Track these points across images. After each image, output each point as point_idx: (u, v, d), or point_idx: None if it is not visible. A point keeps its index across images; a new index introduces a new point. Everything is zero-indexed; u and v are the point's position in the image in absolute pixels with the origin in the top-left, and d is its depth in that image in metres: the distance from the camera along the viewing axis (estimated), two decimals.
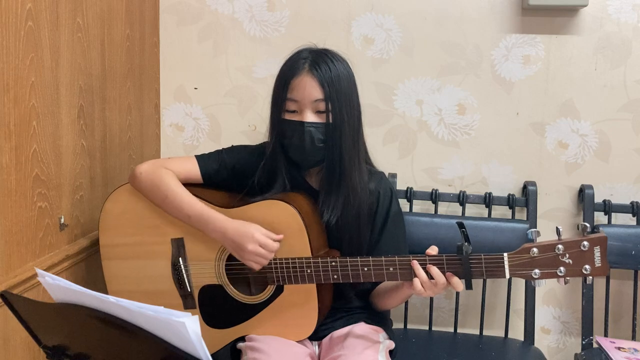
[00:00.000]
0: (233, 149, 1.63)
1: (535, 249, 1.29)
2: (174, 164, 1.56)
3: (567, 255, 1.28)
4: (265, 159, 1.53)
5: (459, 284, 1.33)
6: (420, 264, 1.34)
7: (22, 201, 1.39)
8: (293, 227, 1.43)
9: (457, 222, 1.34)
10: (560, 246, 1.28)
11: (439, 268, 1.33)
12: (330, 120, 1.44)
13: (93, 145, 1.71)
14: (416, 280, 1.34)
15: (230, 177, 1.59)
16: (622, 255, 1.86)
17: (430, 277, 1.33)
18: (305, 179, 1.56)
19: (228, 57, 2.13)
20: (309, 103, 1.44)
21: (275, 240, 1.41)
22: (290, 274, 1.42)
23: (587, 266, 1.28)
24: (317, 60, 1.46)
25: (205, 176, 1.58)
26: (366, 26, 2.06)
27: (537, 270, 1.29)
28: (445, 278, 1.33)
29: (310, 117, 1.44)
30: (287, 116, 1.47)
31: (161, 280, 1.56)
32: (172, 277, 1.55)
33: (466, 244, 1.31)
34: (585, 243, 1.27)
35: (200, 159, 1.59)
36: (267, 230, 1.41)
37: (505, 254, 1.31)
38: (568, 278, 1.29)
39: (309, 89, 1.44)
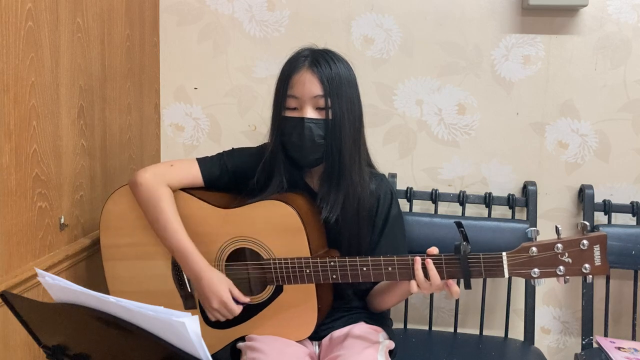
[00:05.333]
0: (233, 152, 1.63)
1: (534, 248, 1.28)
2: (176, 172, 1.55)
3: (567, 254, 1.27)
4: (264, 158, 1.53)
5: (457, 292, 1.33)
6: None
7: (22, 201, 1.39)
8: (291, 227, 1.43)
9: (455, 222, 1.33)
10: (559, 245, 1.27)
11: (437, 268, 1.33)
12: (330, 117, 1.44)
13: (93, 145, 1.71)
14: (413, 282, 1.34)
15: (231, 180, 1.59)
16: (622, 255, 1.86)
17: (428, 277, 1.33)
18: (305, 180, 1.56)
19: (228, 57, 2.13)
20: (309, 99, 1.44)
21: (242, 303, 1.45)
22: (289, 274, 1.42)
23: (586, 265, 1.27)
24: (317, 58, 1.46)
25: (207, 181, 1.58)
26: (366, 26, 2.06)
27: (536, 270, 1.29)
28: (444, 281, 1.33)
29: (310, 113, 1.45)
30: (288, 113, 1.47)
31: (162, 280, 1.56)
32: (172, 277, 1.55)
33: (464, 243, 1.31)
34: (585, 242, 1.27)
35: (202, 163, 1.58)
36: (238, 292, 1.45)
37: (504, 253, 1.30)
38: (568, 277, 1.28)
39: (308, 85, 1.44)
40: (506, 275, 1.30)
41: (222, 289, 1.44)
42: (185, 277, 1.53)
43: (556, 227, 1.28)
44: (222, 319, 1.47)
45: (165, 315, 0.89)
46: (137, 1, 1.94)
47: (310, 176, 1.57)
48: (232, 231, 1.48)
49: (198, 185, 1.58)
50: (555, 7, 1.93)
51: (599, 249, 1.26)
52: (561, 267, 1.28)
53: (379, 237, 1.54)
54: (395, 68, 2.06)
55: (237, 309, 1.45)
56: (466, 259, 1.31)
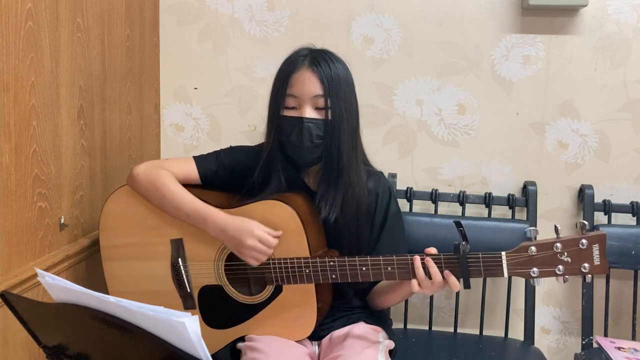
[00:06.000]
0: (231, 149, 1.63)
1: (533, 248, 1.28)
2: (172, 165, 1.56)
3: (566, 254, 1.27)
4: (262, 158, 1.53)
5: (456, 284, 1.33)
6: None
7: (22, 201, 1.39)
8: (291, 227, 1.43)
9: (454, 221, 1.34)
10: (558, 244, 1.27)
11: (437, 267, 1.33)
12: (329, 117, 1.44)
13: (93, 145, 1.71)
14: (414, 281, 1.34)
15: (228, 178, 1.59)
16: (622, 255, 1.86)
17: (429, 275, 1.33)
18: (303, 180, 1.56)
19: (228, 57, 2.13)
20: (309, 99, 1.44)
21: (274, 237, 1.41)
22: (288, 274, 1.42)
23: (585, 264, 1.27)
24: (316, 58, 1.46)
25: (203, 177, 1.58)
26: (366, 26, 2.06)
27: (535, 269, 1.29)
28: (443, 277, 1.33)
29: (309, 112, 1.44)
30: (286, 113, 1.47)
31: (161, 280, 1.56)
32: (171, 277, 1.55)
33: (464, 242, 1.31)
34: (584, 241, 1.26)
35: (199, 160, 1.59)
36: (267, 227, 1.42)
37: (504, 253, 1.30)
38: (567, 277, 1.28)
39: (308, 84, 1.44)
40: (505, 274, 1.30)
41: (252, 225, 1.40)
42: (184, 277, 1.53)
43: (555, 226, 1.28)
44: (262, 258, 1.41)
45: (165, 315, 0.89)
46: (137, 1, 1.94)
47: (308, 175, 1.57)
48: None
49: (194, 181, 1.58)
50: (555, 7, 1.93)
51: (598, 248, 1.26)
52: (560, 267, 1.28)
53: (378, 235, 1.54)
54: (395, 68, 2.06)
55: (274, 241, 1.40)
56: (465, 259, 1.31)
